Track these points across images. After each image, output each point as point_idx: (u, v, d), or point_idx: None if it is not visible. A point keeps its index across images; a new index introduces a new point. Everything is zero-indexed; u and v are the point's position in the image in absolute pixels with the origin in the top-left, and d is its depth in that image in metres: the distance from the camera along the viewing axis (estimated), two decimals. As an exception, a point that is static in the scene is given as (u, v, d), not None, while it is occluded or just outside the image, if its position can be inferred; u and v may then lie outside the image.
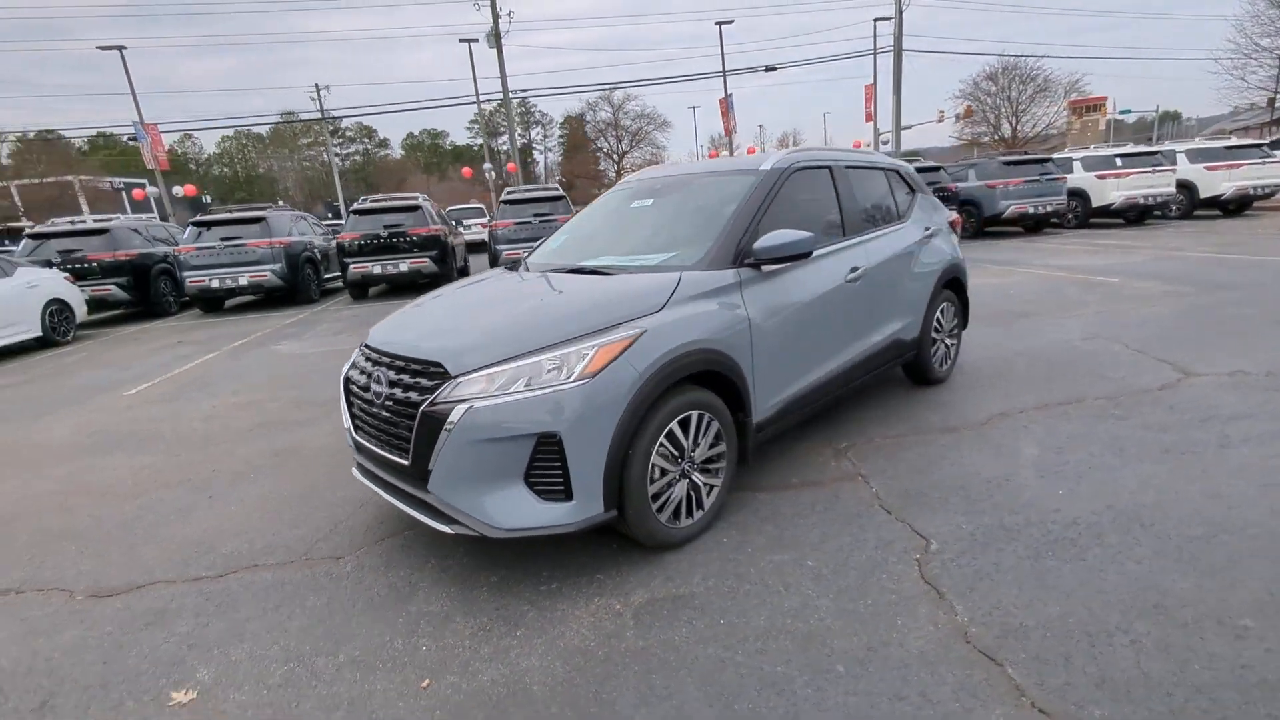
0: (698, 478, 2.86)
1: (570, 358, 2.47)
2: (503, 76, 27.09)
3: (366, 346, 3.00)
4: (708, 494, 2.92)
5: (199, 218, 11.74)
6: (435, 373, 2.55)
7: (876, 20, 29.72)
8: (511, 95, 29.03)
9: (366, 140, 76.68)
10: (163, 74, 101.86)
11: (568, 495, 2.45)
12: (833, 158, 3.93)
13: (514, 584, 2.66)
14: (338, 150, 75.99)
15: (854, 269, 3.66)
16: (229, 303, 12.97)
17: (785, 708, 1.93)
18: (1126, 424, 3.75)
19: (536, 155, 75.42)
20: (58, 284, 9.83)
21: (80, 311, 10.22)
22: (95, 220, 12.33)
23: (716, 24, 28.01)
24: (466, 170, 35.04)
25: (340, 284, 13.04)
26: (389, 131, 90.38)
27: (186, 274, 11.31)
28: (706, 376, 2.85)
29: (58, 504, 3.85)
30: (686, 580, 2.60)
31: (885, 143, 32.37)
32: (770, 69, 28.98)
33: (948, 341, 4.74)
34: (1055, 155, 15.94)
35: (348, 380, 3.05)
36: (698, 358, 2.73)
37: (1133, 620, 2.17)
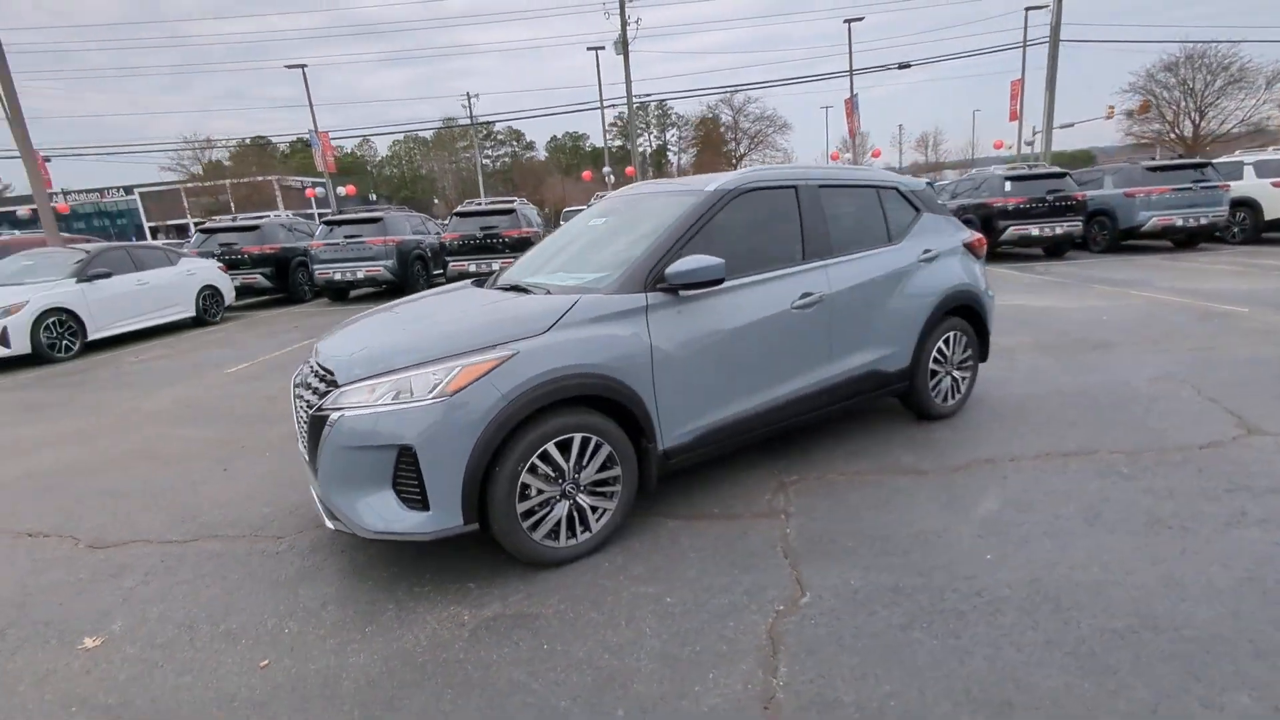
0: (583, 500, 2.85)
1: (437, 375, 2.56)
2: (627, 83, 27.67)
3: (314, 351, 3.28)
4: (596, 517, 2.90)
5: (329, 217, 13.15)
6: (329, 380, 2.75)
7: (1028, 9, 26.92)
8: (636, 100, 29.57)
9: (515, 143, 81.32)
10: (349, 86, 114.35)
11: (425, 506, 2.55)
12: (801, 176, 3.71)
13: (396, 581, 2.81)
14: (489, 153, 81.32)
15: (806, 295, 3.44)
16: (353, 293, 14.42)
17: (541, 744, 1.91)
18: (1127, 485, 3.22)
19: (671, 157, 76.25)
20: (211, 272, 11.46)
21: (229, 296, 11.84)
22: (249, 218, 14.19)
23: (845, 21, 26.78)
24: (586, 174, 36.18)
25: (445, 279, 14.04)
26: (536, 135, 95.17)
27: (316, 267, 12.71)
28: (598, 400, 2.83)
29: (122, 465, 4.54)
30: (543, 600, 2.61)
31: (1030, 143, 29.31)
32: (904, 66, 27.22)
33: (956, 374, 4.29)
34: (1220, 159, 13.63)
35: (296, 383, 3.35)
36: (578, 382, 2.73)
37: (963, 715, 1.91)
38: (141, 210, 49.54)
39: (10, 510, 3.86)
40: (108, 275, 9.44)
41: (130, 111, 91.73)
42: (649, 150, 79.51)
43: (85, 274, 9.20)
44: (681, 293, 3.07)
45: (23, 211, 39.17)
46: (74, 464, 4.61)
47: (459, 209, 13.38)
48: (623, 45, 27.60)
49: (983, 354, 4.56)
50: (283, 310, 12.94)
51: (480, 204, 13.69)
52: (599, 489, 2.89)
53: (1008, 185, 12.31)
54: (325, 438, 2.61)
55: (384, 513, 2.59)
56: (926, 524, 2.99)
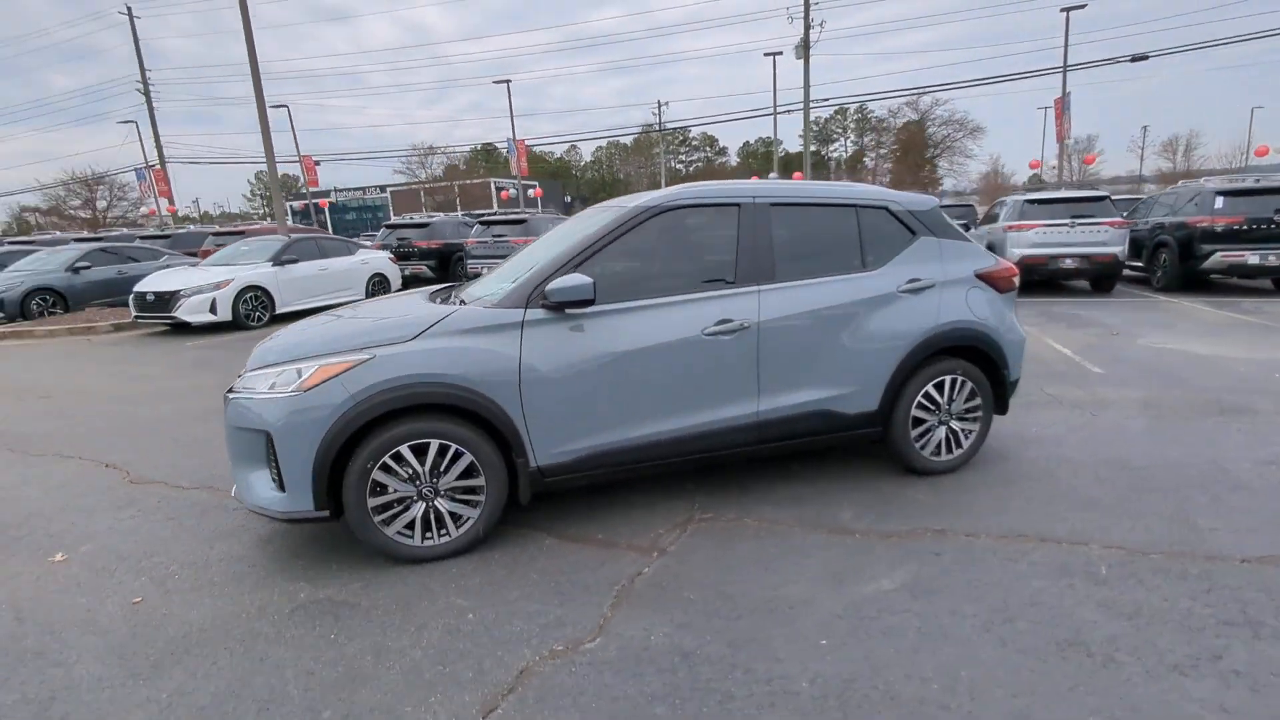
0: (442, 504, 2.91)
1: (302, 371, 2.79)
2: (805, 87, 26.67)
3: None
4: (458, 523, 2.95)
5: (484, 217, 14.44)
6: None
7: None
8: (816, 105, 28.42)
9: (708, 149, 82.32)
10: (570, 96, 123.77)
11: (282, 488, 2.79)
12: (749, 193, 3.38)
13: (269, 554, 3.09)
14: (683, 158, 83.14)
15: (724, 321, 3.15)
16: (503, 286, 15.70)
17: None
18: (1083, 593, 2.52)
19: (868, 162, 72.07)
20: (382, 263, 13.19)
21: (395, 284, 13.55)
22: (425, 218, 16.06)
23: (1063, 10, 23.09)
24: (754, 179, 35.47)
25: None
26: (731, 140, 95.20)
27: (469, 261, 14.06)
28: (463, 409, 2.87)
29: (205, 419, 5.44)
30: (371, 592, 2.72)
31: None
32: (1139, 58, 22.87)
33: (956, 426, 3.63)
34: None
35: None
36: (433, 390, 2.79)
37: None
38: (391, 206, 58.21)
39: (113, 443, 4.85)
40: (296, 261, 11.31)
41: (398, 122, 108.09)
42: (844, 155, 75.99)
43: (280, 259, 11.12)
44: (568, 310, 2.99)
45: (296, 205, 47.52)
46: (204, 411, 5.58)
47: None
48: (804, 49, 26.68)
49: (999, 405, 3.81)
50: (440, 298, 14.54)
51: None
52: (462, 496, 2.94)
53: (1219, 202, 9.87)
54: (225, 415, 2.96)
55: (259, 489, 2.88)
56: (793, 591, 2.61)
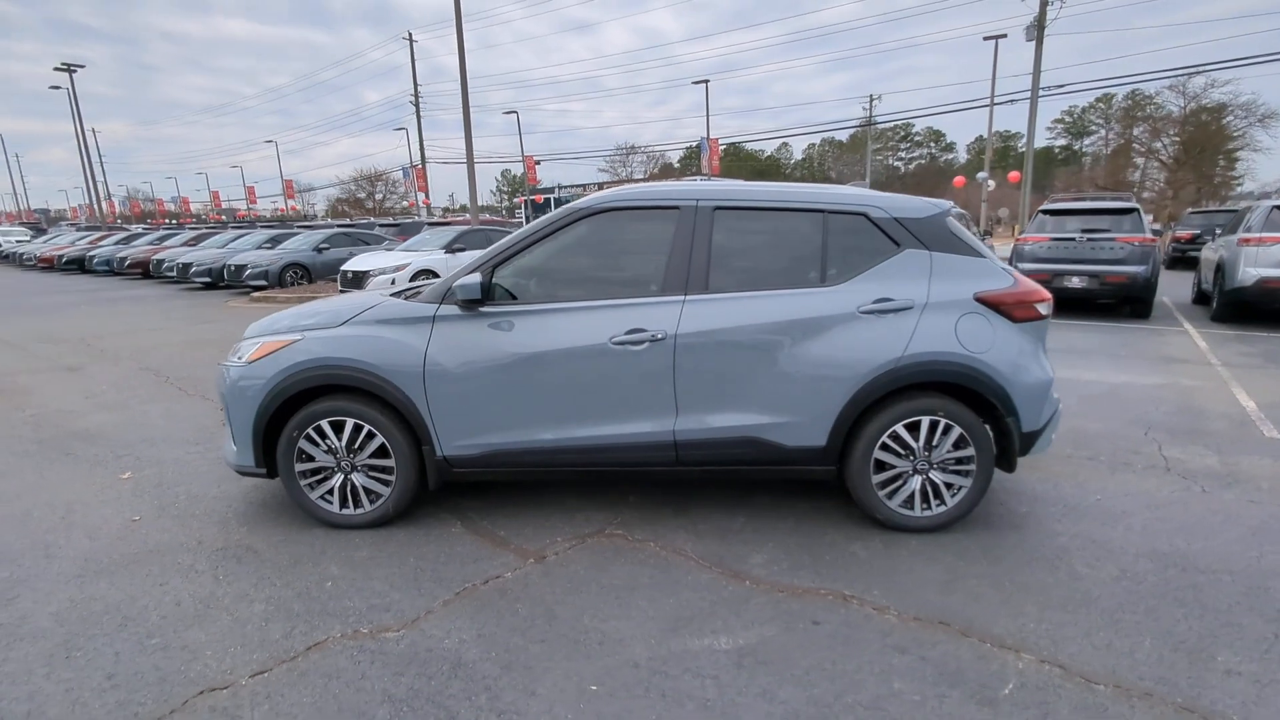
0: (357, 478, 3.15)
1: (251, 346, 3.18)
2: (1035, 73, 23.09)
3: None
4: (370, 497, 3.16)
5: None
6: None
7: None
8: (1045, 94, 24.51)
9: (933, 144, 75.17)
10: (792, 92, 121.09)
11: (235, 444, 3.23)
12: (693, 196, 3.09)
13: (248, 500, 3.57)
14: (902, 154, 77.06)
15: (636, 330, 2.94)
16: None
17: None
18: (951, 711, 1.97)
19: (1138, 159, 60.10)
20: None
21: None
22: None
23: None
24: (958, 180, 31.35)
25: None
26: (962, 134, 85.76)
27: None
28: (376, 395, 3.07)
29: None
30: (268, 544, 3.03)
31: None
32: None
33: (938, 477, 3.00)
34: None
35: None
36: (346, 373, 3.02)
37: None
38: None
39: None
40: (463, 249, 12.67)
41: (627, 122, 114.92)
42: (1104, 151, 64.35)
43: (450, 247, 12.55)
44: (482, 309, 3.03)
45: (534, 199, 52.38)
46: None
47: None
48: (1038, 28, 23.12)
49: (1004, 460, 3.05)
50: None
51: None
52: (375, 474, 3.14)
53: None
54: (218, 379, 3.50)
55: (225, 443, 3.36)
56: (619, 627, 2.40)
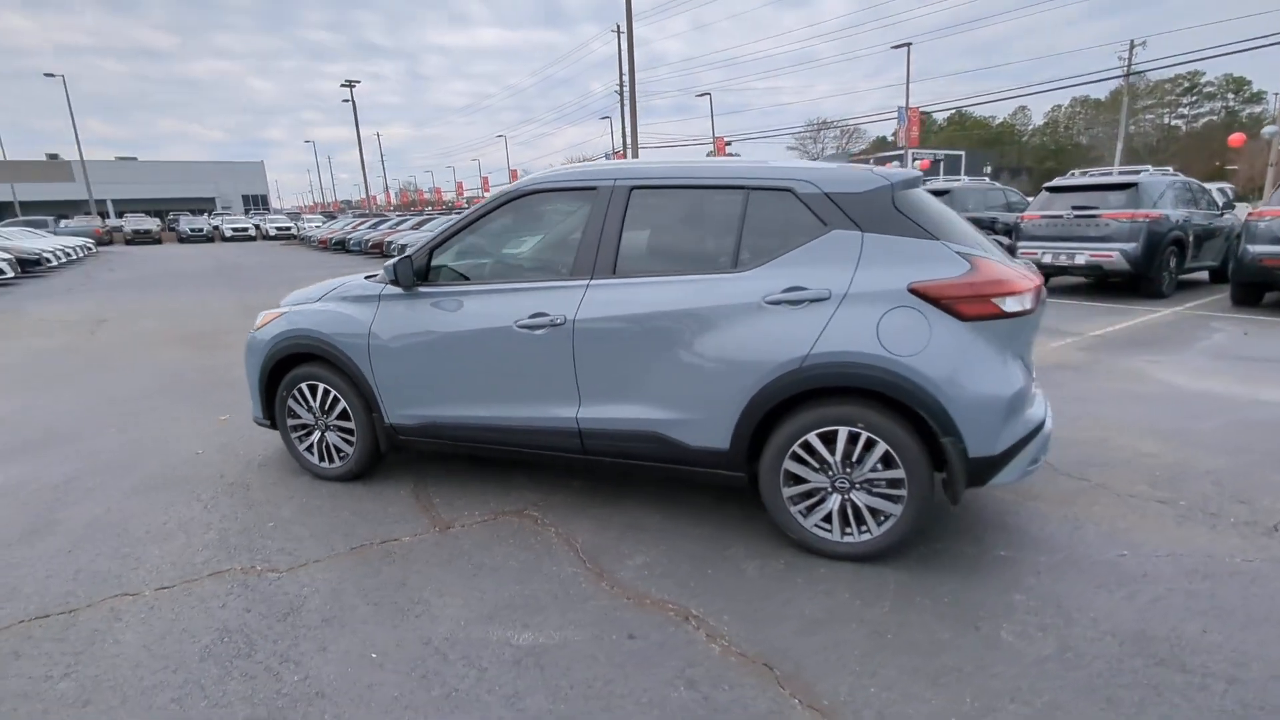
0: (330, 436, 3.54)
1: (262, 315, 3.70)
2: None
3: None
4: (339, 454, 3.53)
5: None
6: None
7: None
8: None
9: (1231, 95, 59.81)
10: (1034, 47, 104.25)
11: (252, 399, 3.80)
12: (609, 176, 2.90)
13: (271, 453, 4.16)
14: (1183, 110, 62.80)
15: (538, 315, 2.87)
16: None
17: None
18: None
19: None
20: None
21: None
22: None
23: None
24: (1236, 137, 24.21)
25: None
26: (1272, 81, 66.81)
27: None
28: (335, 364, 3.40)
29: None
30: (276, 487, 3.53)
31: None
32: None
33: (861, 500, 2.53)
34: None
35: None
36: (311, 344, 3.40)
37: None
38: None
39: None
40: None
41: (840, 95, 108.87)
42: None
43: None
44: (420, 289, 3.20)
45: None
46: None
47: (1053, 182, 10.29)
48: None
49: (950, 490, 2.45)
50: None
51: (1090, 175, 10.59)
52: (343, 435, 3.50)
53: None
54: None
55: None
56: (445, 606, 2.43)
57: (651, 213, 2.88)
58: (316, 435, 3.57)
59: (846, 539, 2.60)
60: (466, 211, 3.26)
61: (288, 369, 3.57)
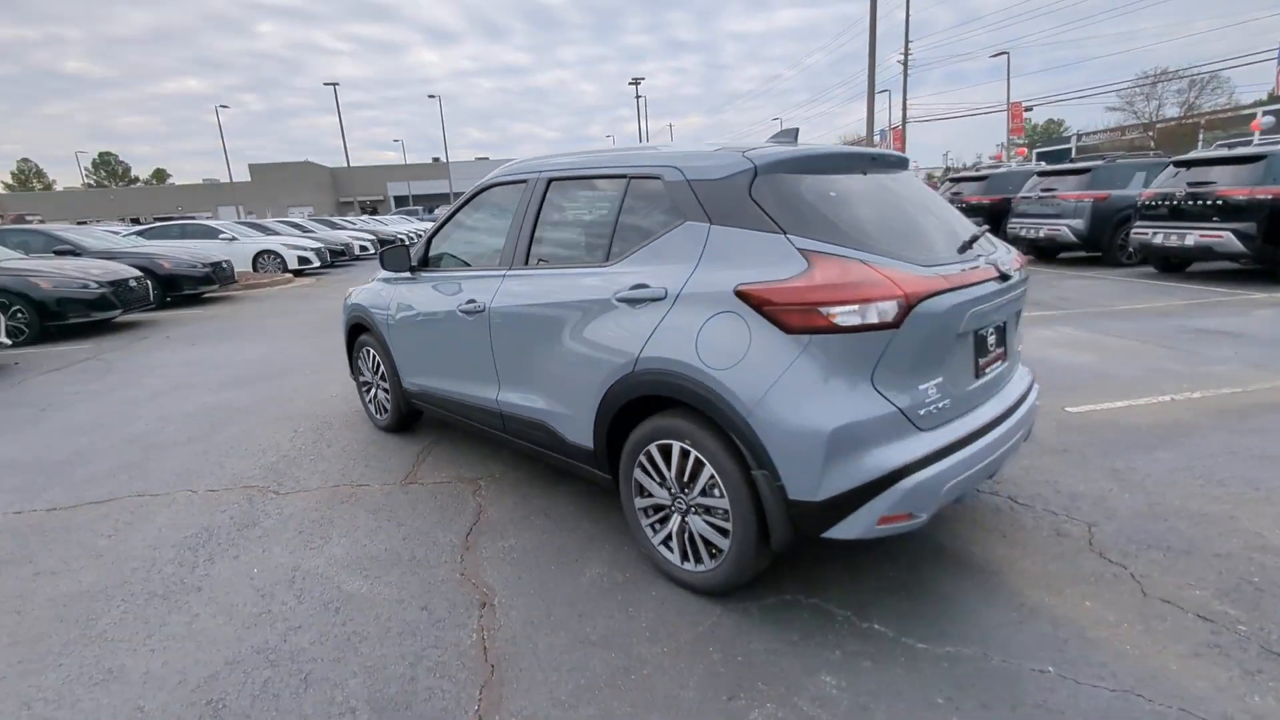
0: (379, 394, 4.21)
1: (349, 291, 4.51)
2: None
3: None
4: (384, 409, 4.19)
5: (1049, 168, 11.36)
6: None
7: None
8: None
9: None
10: None
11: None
12: (537, 169, 2.90)
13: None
14: None
15: (471, 301, 3.03)
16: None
17: None
18: None
19: None
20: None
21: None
22: (1013, 166, 13.63)
23: None
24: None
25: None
26: None
27: (1011, 220, 11.75)
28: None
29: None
30: (353, 418, 4.35)
31: None
32: None
33: (699, 525, 2.21)
34: None
35: None
36: (357, 314, 4.10)
37: (112, 542, 2.97)
38: (1074, 149, 47.49)
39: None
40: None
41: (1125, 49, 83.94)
42: None
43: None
44: (420, 273, 3.61)
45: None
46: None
47: (1187, 156, 9.07)
48: None
49: (757, 522, 2.00)
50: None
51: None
52: (385, 392, 4.14)
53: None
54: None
55: (361, 356, 4.86)
56: (323, 549, 2.80)
57: (562, 204, 2.82)
58: (374, 392, 4.27)
59: (685, 565, 2.31)
60: (457, 202, 3.56)
61: (357, 334, 4.33)
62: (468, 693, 1.90)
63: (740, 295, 2.00)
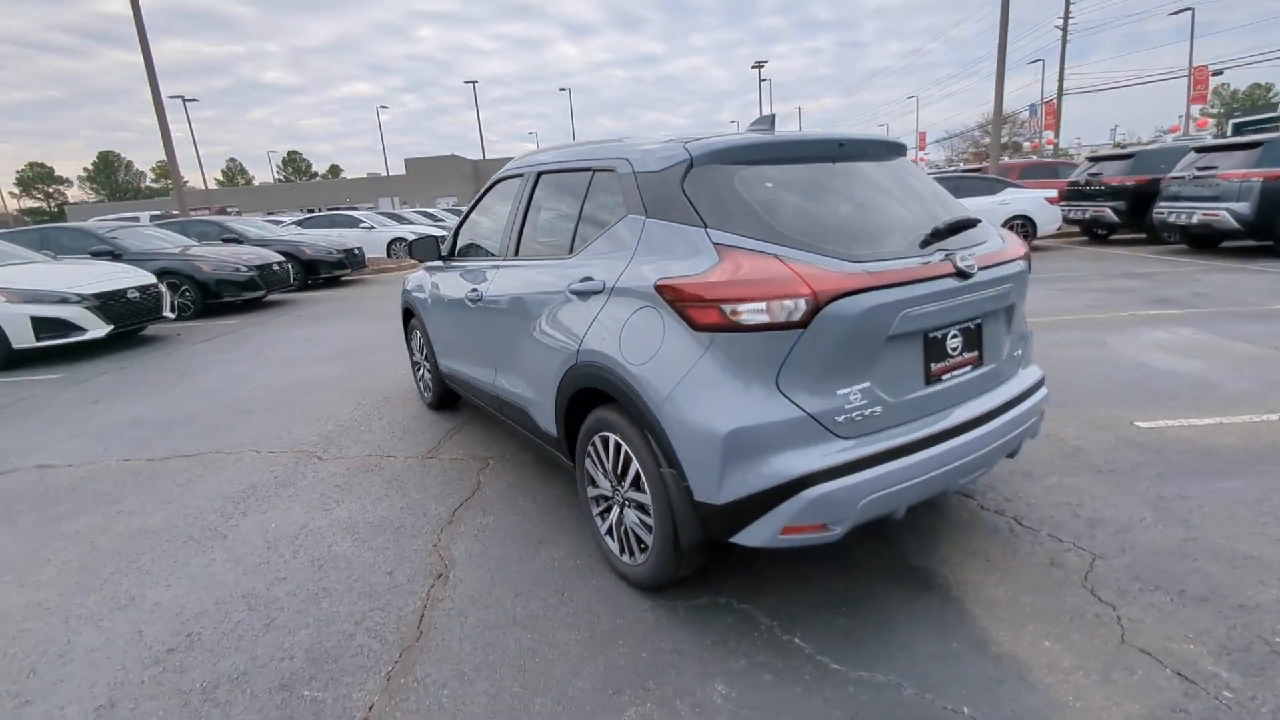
0: (424, 374, 4.53)
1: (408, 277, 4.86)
2: None
3: None
4: (429, 387, 4.50)
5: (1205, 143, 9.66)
6: None
7: None
8: None
9: None
10: None
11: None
12: (534, 163, 2.96)
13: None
14: None
15: (474, 289, 3.19)
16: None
17: None
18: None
19: None
20: (1030, 203, 11.29)
21: (1046, 228, 11.44)
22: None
23: None
24: None
25: None
26: None
27: (1159, 204, 10.19)
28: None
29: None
30: (406, 393, 4.74)
31: None
32: None
33: (633, 518, 2.21)
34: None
35: None
36: (405, 299, 4.42)
37: None
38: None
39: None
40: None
41: None
42: None
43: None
44: (451, 262, 3.83)
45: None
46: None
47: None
48: None
49: (672, 521, 1.93)
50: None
51: None
52: (429, 371, 4.45)
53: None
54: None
55: (423, 338, 5.24)
56: (328, 511, 3.09)
57: (545, 197, 2.88)
58: (421, 371, 4.61)
59: (624, 558, 2.31)
60: (480, 192, 3.72)
61: (409, 319, 4.67)
62: (389, 654, 2.04)
63: (659, 290, 1.96)
